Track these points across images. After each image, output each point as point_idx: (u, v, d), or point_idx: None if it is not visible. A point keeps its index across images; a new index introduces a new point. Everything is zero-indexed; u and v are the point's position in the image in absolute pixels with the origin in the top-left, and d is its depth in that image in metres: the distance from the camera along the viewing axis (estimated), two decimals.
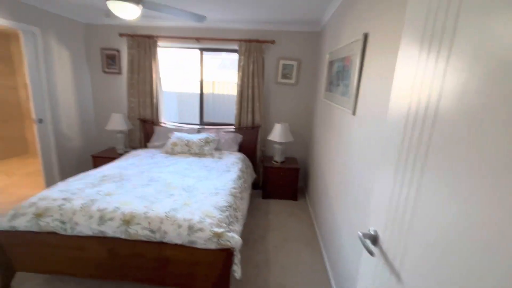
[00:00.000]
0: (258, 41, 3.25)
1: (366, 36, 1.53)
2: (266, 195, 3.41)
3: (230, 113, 3.75)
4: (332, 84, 2.35)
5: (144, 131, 3.67)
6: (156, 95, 3.58)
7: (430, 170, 0.64)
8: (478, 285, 0.47)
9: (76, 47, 3.48)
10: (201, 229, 1.61)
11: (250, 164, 3.36)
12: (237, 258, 1.64)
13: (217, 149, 3.37)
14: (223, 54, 3.88)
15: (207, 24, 3.36)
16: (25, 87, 4.40)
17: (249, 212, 3.00)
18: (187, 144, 3.16)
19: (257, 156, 3.62)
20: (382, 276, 0.84)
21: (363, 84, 1.57)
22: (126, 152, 3.47)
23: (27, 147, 4.83)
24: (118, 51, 3.59)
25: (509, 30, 0.45)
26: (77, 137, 3.62)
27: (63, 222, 1.67)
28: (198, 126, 3.66)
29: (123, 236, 1.64)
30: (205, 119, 3.87)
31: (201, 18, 2.25)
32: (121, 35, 3.41)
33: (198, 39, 3.38)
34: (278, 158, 3.38)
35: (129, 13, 1.89)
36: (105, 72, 3.69)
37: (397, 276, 0.74)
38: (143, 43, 3.39)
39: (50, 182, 3.26)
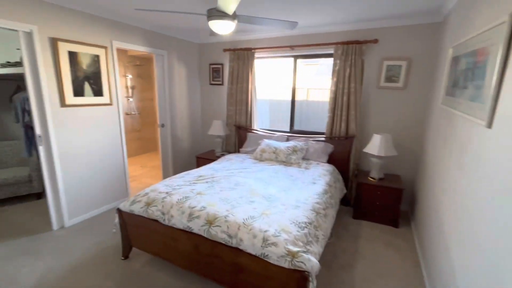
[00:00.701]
0: (357, 42, 2.93)
1: None
2: (358, 215, 2.99)
3: (323, 122, 3.54)
4: (456, 87, 1.80)
5: (239, 136, 3.95)
6: (251, 103, 3.79)
7: None
8: None
9: (191, 64, 4.14)
10: (274, 244, 1.53)
11: (340, 178, 3.04)
12: (312, 285, 1.46)
13: (305, 158, 3.23)
14: (321, 60, 3.72)
15: (301, 31, 3.31)
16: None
17: (334, 231, 2.70)
18: (275, 151, 3.17)
19: (349, 169, 3.25)
20: None
21: (506, 85, 1.10)
22: (222, 155, 3.83)
23: (156, 145, 6.12)
24: (222, 64, 4.04)
25: None
26: (186, 140, 4.28)
27: (163, 213, 1.94)
28: (287, 134, 3.63)
29: (205, 235, 1.75)
30: (296, 127, 3.80)
31: (293, 24, 2.20)
32: (224, 50, 3.82)
33: (292, 47, 3.36)
34: (375, 174, 2.91)
35: (226, 29, 2.06)
36: (211, 84, 4.22)
37: None
38: (242, 56, 3.67)
39: (165, 175, 3.98)
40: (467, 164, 1.44)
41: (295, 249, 1.50)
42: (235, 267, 1.68)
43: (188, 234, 1.83)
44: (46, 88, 2.41)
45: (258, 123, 4.01)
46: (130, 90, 5.42)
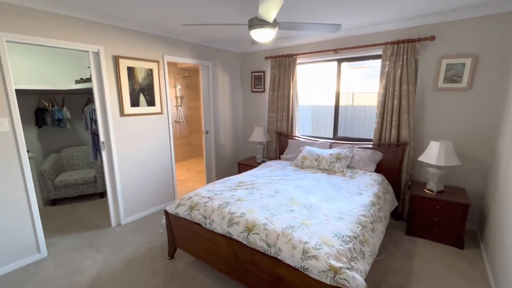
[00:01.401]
0: (409, 41, 2.68)
1: None
2: (412, 231, 2.68)
3: (369, 128, 3.30)
4: None
5: (280, 143, 3.92)
6: (292, 109, 3.74)
7: None
8: None
9: (233, 72, 4.29)
10: (315, 257, 1.45)
11: (390, 189, 2.78)
12: None
13: (350, 167, 3.04)
14: (368, 62, 3.51)
15: (345, 33, 3.17)
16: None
17: (384, 248, 2.46)
18: (317, 159, 3.05)
19: (401, 180, 2.95)
20: None
21: None
22: (263, 161, 3.83)
23: (202, 151, 6.44)
24: (263, 72, 4.09)
25: None
26: (229, 146, 4.40)
27: (204, 217, 2.01)
28: (330, 141, 3.48)
29: (244, 242, 1.75)
30: (340, 134, 3.62)
31: (335, 27, 2.12)
32: (266, 58, 3.86)
33: (335, 50, 3.24)
34: (433, 186, 2.59)
35: (267, 37, 2.07)
36: (252, 91, 4.30)
37: None
38: (284, 62, 3.66)
39: (209, 180, 4.14)
40: None
41: (338, 264, 1.40)
42: (274, 277, 1.63)
43: (227, 239, 1.85)
44: (109, 99, 2.73)
45: (300, 130, 3.92)
46: (179, 100, 5.84)
